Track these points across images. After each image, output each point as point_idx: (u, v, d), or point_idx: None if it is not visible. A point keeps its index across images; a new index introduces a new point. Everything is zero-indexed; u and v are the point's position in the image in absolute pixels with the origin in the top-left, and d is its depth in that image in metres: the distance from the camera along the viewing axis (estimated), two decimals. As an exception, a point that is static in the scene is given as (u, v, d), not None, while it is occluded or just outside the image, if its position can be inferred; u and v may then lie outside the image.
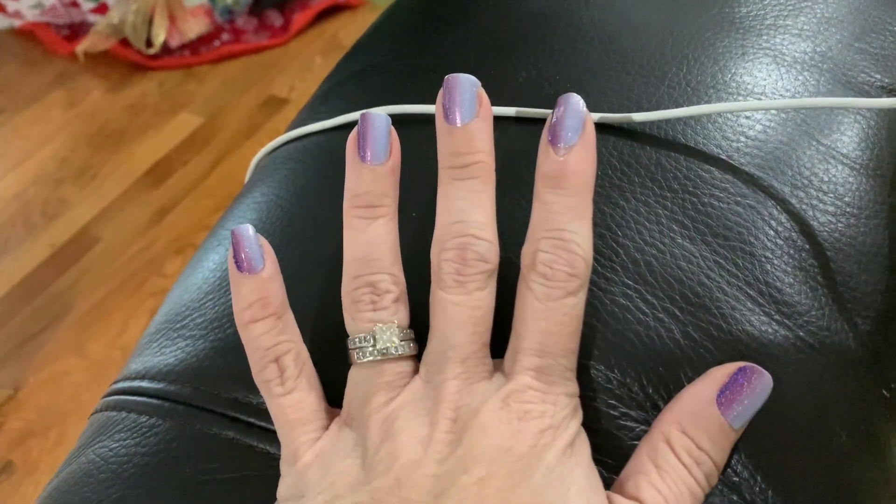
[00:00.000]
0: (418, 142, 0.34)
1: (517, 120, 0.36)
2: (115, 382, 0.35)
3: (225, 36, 1.61)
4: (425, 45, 0.43)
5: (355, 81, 0.44)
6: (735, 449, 0.27)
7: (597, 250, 0.31)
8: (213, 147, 1.39)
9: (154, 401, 0.32)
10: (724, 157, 0.33)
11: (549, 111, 0.35)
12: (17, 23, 1.62)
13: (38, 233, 1.26)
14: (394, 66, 0.43)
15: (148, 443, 0.31)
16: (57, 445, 1.02)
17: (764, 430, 0.28)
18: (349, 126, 0.40)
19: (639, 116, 0.34)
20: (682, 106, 0.35)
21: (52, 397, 1.07)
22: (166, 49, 1.57)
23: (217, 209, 1.27)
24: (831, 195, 0.33)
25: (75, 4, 1.60)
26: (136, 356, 0.36)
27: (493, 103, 0.36)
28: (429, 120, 0.36)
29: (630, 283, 0.30)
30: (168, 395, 0.32)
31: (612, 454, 0.28)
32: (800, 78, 0.36)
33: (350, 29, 1.64)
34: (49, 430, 1.03)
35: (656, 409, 0.28)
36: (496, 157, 0.29)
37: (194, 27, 1.57)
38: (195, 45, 1.59)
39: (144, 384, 0.33)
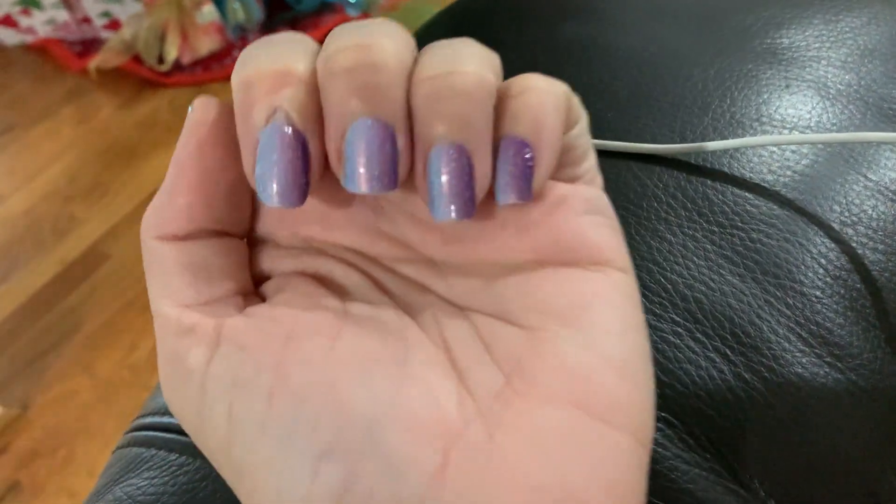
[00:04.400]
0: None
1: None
2: (142, 417, 0.34)
3: (236, 53, 1.61)
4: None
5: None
6: (785, 493, 0.26)
7: (644, 285, 0.30)
8: (224, 165, 1.38)
9: (184, 438, 0.31)
10: (771, 192, 0.33)
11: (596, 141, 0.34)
12: (29, 38, 1.62)
13: (47, 249, 1.26)
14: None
15: (177, 482, 0.30)
16: (65, 466, 1.01)
17: (815, 473, 0.28)
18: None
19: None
20: (728, 138, 0.34)
21: (60, 417, 1.05)
22: (178, 66, 1.57)
23: (228, 227, 1.27)
24: (881, 233, 0.32)
25: (87, 21, 1.60)
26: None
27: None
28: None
29: (680, 320, 0.30)
30: (200, 431, 0.31)
31: (664, 496, 0.27)
32: (845, 112, 0.36)
33: (361, 48, 1.64)
34: (57, 451, 1.02)
35: (707, 453, 0.28)
36: None
37: (206, 44, 1.57)
38: (207, 62, 1.59)
39: (174, 420, 0.32)
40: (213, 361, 0.19)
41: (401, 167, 0.19)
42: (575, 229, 0.20)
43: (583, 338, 0.19)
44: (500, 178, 0.19)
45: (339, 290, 0.22)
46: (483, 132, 0.19)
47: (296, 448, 0.18)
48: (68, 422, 1.05)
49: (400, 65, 0.18)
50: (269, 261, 0.23)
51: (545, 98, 0.19)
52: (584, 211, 0.20)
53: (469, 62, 0.19)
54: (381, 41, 0.18)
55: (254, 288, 0.23)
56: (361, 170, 0.18)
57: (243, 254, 0.23)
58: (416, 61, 0.19)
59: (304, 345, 0.19)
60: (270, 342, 0.19)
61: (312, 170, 0.19)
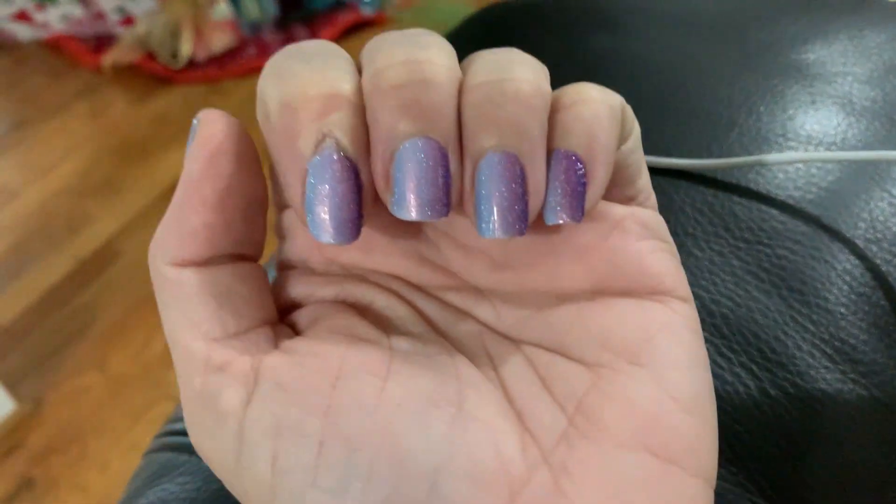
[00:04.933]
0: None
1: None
2: (173, 422, 0.34)
3: (250, 50, 1.61)
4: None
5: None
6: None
7: (671, 302, 0.31)
8: (237, 163, 1.39)
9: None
10: (797, 208, 0.33)
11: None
12: (43, 34, 1.63)
13: (60, 246, 1.26)
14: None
15: (209, 488, 0.30)
16: (78, 462, 1.01)
17: (839, 489, 0.28)
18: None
19: (691, 163, 0.34)
20: (754, 154, 0.34)
21: (74, 413, 1.06)
22: (192, 62, 1.58)
23: (240, 225, 1.27)
24: (906, 249, 0.33)
25: (102, 16, 1.60)
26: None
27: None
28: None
29: (706, 335, 0.30)
30: (231, 438, 0.31)
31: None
32: (870, 128, 0.36)
33: (375, 46, 1.65)
34: (70, 447, 1.03)
35: (734, 467, 0.28)
36: None
37: (220, 41, 1.57)
38: (221, 59, 1.59)
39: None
40: (252, 404, 0.17)
41: (454, 192, 0.17)
42: (633, 256, 0.19)
43: (649, 374, 0.18)
44: (549, 195, 0.18)
45: (381, 322, 0.21)
46: (538, 141, 0.17)
47: (350, 500, 0.16)
48: (81, 418, 1.06)
49: (452, 79, 0.17)
50: (301, 287, 0.22)
51: (599, 110, 0.18)
52: (642, 236, 0.20)
53: (523, 69, 0.17)
54: (432, 55, 0.17)
55: (280, 318, 0.21)
56: (411, 195, 0.17)
57: (264, 279, 0.21)
58: (463, 71, 0.18)
59: (353, 385, 0.18)
60: (317, 382, 0.18)
61: (365, 201, 0.17)
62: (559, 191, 0.18)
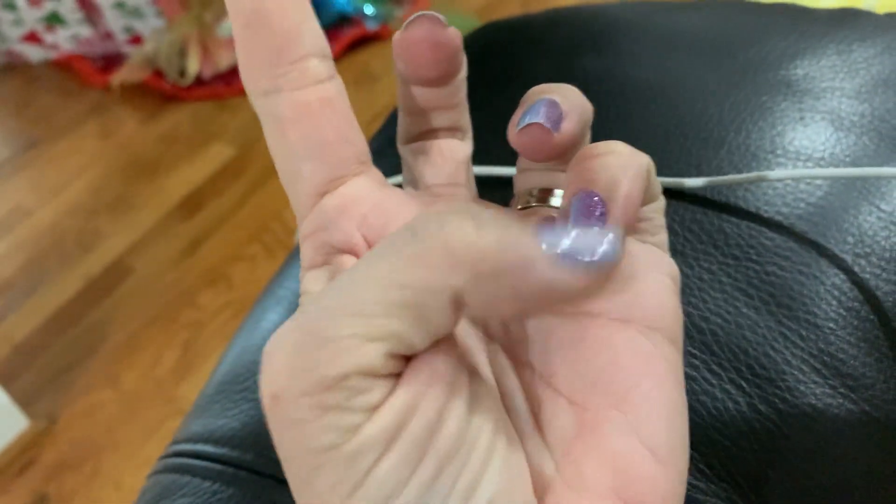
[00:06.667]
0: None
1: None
2: (176, 443, 0.35)
3: (256, 67, 1.62)
4: (478, 104, 0.43)
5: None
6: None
7: (661, 320, 0.31)
8: (245, 178, 1.40)
9: (217, 466, 0.32)
10: (785, 224, 0.33)
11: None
12: (53, 54, 1.65)
13: (72, 264, 1.27)
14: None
15: (211, 508, 0.31)
16: (92, 479, 1.02)
17: (827, 502, 0.28)
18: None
19: (692, 182, 0.34)
20: (743, 172, 0.35)
21: (87, 430, 1.07)
22: (199, 80, 1.59)
23: (250, 240, 1.28)
24: (894, 263, 0.33)
25: (110, 36, 1.62)
26: (197, 416, 0.36)
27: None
28: (481, 182, 0.37)
29: (696, 352, 0.30)
30: (231, 460, 0.32)
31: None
32: (859, 143, 0.36)
33: (380, 59, 1.66)
34: (84, 463, 1.04)
35: (725, 483, 0.28)
36: None
37: (227, 58, 1.59)
38: (228, 76, 1.60)
39: (208, 448, 0.33)
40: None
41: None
42: (637, 284, 0.20)
43: (629, 423, 0.19)
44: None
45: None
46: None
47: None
48: (94, 435, 1.07)
49: None
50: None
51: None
52: (650, 267, 0.20)
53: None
54: None
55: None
56: None
57: None
58: None
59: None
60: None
61: None
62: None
